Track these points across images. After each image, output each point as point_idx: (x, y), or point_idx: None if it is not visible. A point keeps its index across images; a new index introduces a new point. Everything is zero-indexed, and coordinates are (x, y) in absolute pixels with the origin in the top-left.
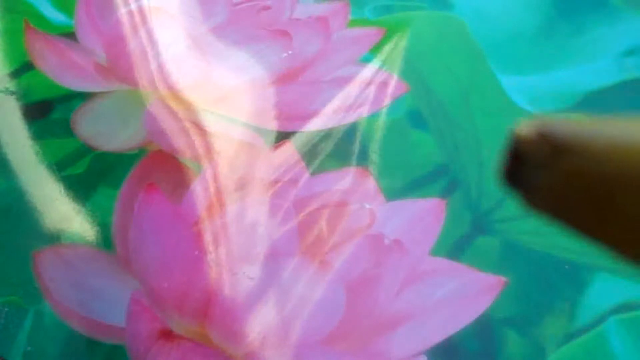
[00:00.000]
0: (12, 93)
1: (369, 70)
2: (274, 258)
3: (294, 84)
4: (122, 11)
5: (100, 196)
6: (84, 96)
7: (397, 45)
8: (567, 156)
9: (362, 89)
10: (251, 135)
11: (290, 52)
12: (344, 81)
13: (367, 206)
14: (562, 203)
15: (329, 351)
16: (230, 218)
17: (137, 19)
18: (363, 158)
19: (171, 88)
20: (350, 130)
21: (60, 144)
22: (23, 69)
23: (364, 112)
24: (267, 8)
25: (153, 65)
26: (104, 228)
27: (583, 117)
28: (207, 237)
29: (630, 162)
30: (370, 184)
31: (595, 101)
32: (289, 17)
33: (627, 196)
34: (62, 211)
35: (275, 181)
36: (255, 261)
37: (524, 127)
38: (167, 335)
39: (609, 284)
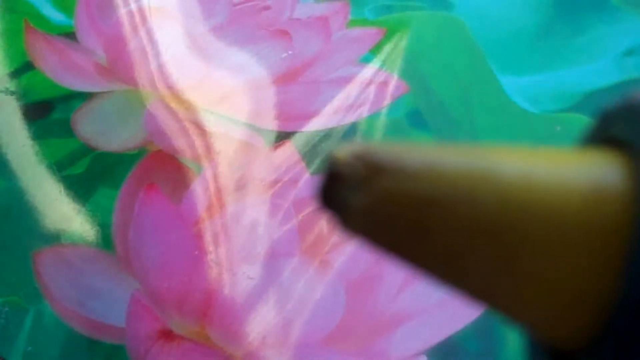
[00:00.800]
0: (12, 93)
1: (369, 70)
2: (274, 258)
3: (294, 84)
4: (122, 11)
5: (100, 196)
6: (84, 96)
7: (397, 45)
8: (381, 177)
9: (362, 89)
10: (251, 135)
11: (290, 52)
12: (344, 81)
13: None
14: (376, 226)
15: (329, 351)
16: (230, 218)
17: (137, 19)
18: None
19: (171, 88)
20: (350, 130)
21: (60, 144)
22: (23, 69)
23: (364, 112)
24: (267, 8)
25: (153, 65)
26: (104, 228)
27: (401, 143)
28: (207, 237)
29: (441, 182)
30: None
31: (595, 101)
32: (289, 17)
33: (437, 215)
34: (62, 211)
35: (275, 181)
36: (255, 261)
37: (341, 149)
38: (167, 335)
39: None
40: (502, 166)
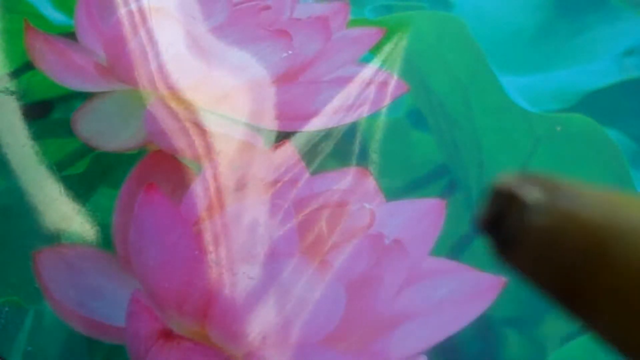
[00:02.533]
0: (12, 93)
1: (369, 70)
2: (274, 258)
3: (294, 84)
4: (122, 11)
5: (100, 196)
6: (84, 96)
7: (397, 45)
8: (562, 199)
9: (362, 89)
10: (251, 135)
11: (290, 52)
12: (344, 81)
13: (367, 206)
14: (552, 250)
15: (329, 351)
16: (230, 218)
17: (137, 19)
18: (363, 158)
19: (171, 88)
20: (350, 130)
21: (60, 144)
22: (23, 69)
23: (364, 112)
24: (267, 8)
25: (153, 65)
26: (104, 228)
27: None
28: (207, 237)
29: (618, 213)
30: (370, 184)
31: (595, 101)
32: (289, 17)
33: (614, 245)
34: (62, 211)
35: (275, 181)
36: (255, 261)
37: (508, 175)
38: (167, 335)
39: None
40: None
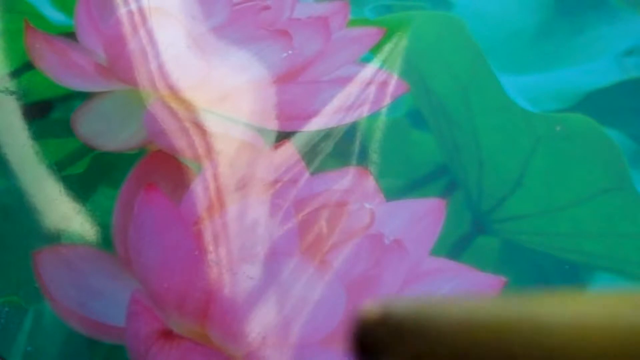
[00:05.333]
0: (12, 93)
1: (369, 70)
2: (274, 258)
3: (294, 84)
4: (122, 11)
5: (100, 196)
6: (84, 96)
7: (397, 45)
8: (403, 344)
9: (362, 89)
10: (251, 135)
11: (290, 51)
12: (344, 81)
13: (367, 206)
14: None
15: (329, 351)
16: (230, 218)
17: (137, 19)
18: (363, 158)
19: (171, 88)
20: (350, 130)
21: (60, 144)
22: (23, 69)
23: (364, 112)
24: (267, 8)
25: (153, 65)
26: (104, 228)
27: (418, 300)
28: (207, 237)
29: (465, 340)
30: (370, 184)
31: (595, 101)
32: (289, 17)
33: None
34: (62, 211)
35: (275, 181)
36: (255, 261)
37: (367, 310)
38: (167, 335)
39: (609, 284)
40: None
